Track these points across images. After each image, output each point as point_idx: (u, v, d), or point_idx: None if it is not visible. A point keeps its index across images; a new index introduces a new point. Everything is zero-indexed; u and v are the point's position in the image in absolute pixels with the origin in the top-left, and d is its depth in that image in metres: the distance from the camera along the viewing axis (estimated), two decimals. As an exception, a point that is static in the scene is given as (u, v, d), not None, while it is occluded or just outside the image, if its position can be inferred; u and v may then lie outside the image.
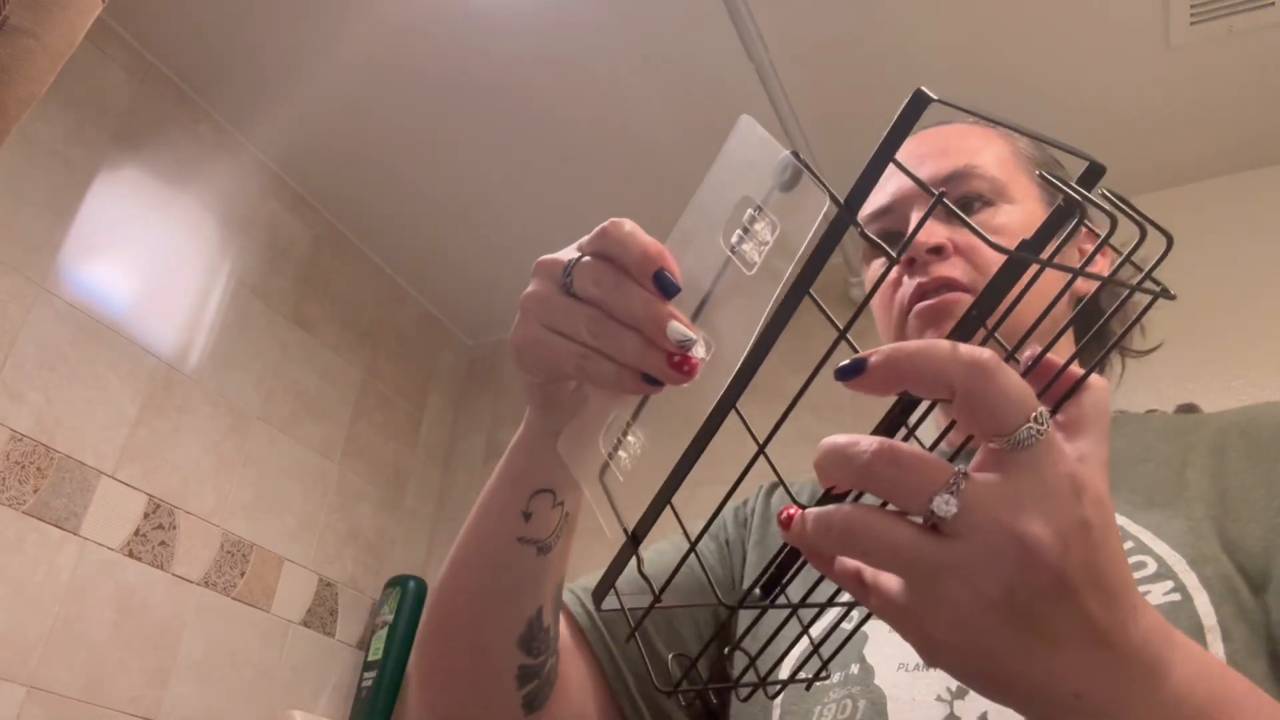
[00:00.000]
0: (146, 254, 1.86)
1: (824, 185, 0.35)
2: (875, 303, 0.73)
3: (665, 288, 0.39)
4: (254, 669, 1.92)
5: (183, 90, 1.98)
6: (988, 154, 0.71)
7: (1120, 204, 0.34)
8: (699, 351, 0.39)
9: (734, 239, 0.38)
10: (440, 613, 0.57)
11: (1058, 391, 0.35)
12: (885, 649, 0.58)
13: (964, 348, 0.31)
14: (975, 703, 0.53)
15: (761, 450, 0.34)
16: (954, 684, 0.54)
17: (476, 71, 1.88)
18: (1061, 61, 1.75)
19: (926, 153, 0.72)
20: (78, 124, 1.75)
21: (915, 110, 0.31)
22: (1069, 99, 1.80)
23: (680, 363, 0.39)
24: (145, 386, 1.80)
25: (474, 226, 2.29)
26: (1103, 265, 0.72)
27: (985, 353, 0.31)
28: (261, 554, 1.97)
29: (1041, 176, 0.53)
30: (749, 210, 0.38)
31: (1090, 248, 0.72)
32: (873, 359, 0.31)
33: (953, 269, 0.66)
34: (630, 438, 0.42)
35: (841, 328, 0.32)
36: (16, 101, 0.84)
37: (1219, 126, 1.85)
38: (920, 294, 0.67)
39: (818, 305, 0.34)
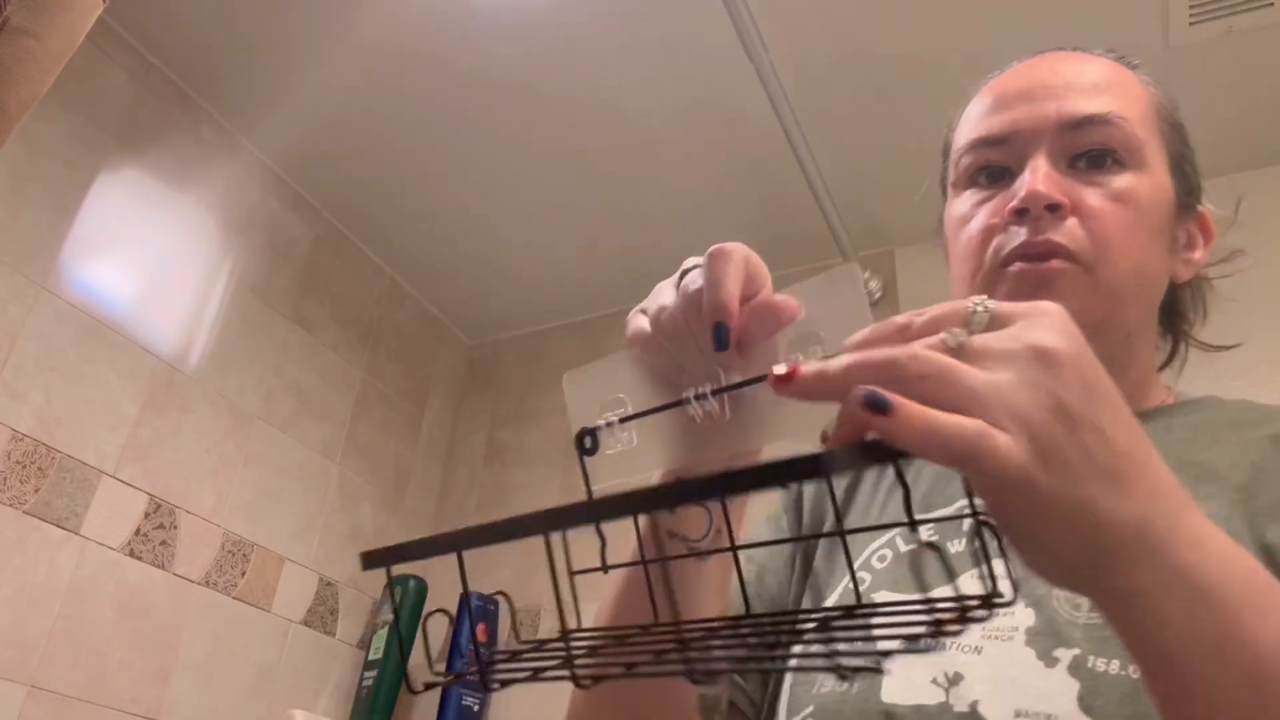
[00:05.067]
0: (147, 254, 1.86)
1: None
2: (958, 248, 0.67)
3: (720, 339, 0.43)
4: (254, 668, 1.92)
5: (183, 90, 1.98)
6: (1135, 104, 0.66)
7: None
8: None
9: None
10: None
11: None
12: None
13: (894, 353, 0.33)
14: (969, 689, 0.52)
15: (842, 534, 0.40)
16: (950, 669, 0.53)
17: (477, 71, 1.88)
18: (1061, 61, 1.75)
19: (1070, 84, 0.65)
20: (78, 124, 1.75)
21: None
22: (1069, 99, 1.80)
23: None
24: (146, 386, 1.80)
25: (474, 226, 2.29)
26: (1202, 254, 0.72)
27: (905, 351, 0.34)
28: (262, 553, 1.97)
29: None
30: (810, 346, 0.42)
31: (1198, 232, 0.71)
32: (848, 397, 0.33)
33: (1063, 234, 0.61)
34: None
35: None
36: (17, 101, 0.84)
37: (1219, 126, 1.85)
38: (1024, 253, 0.61)
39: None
